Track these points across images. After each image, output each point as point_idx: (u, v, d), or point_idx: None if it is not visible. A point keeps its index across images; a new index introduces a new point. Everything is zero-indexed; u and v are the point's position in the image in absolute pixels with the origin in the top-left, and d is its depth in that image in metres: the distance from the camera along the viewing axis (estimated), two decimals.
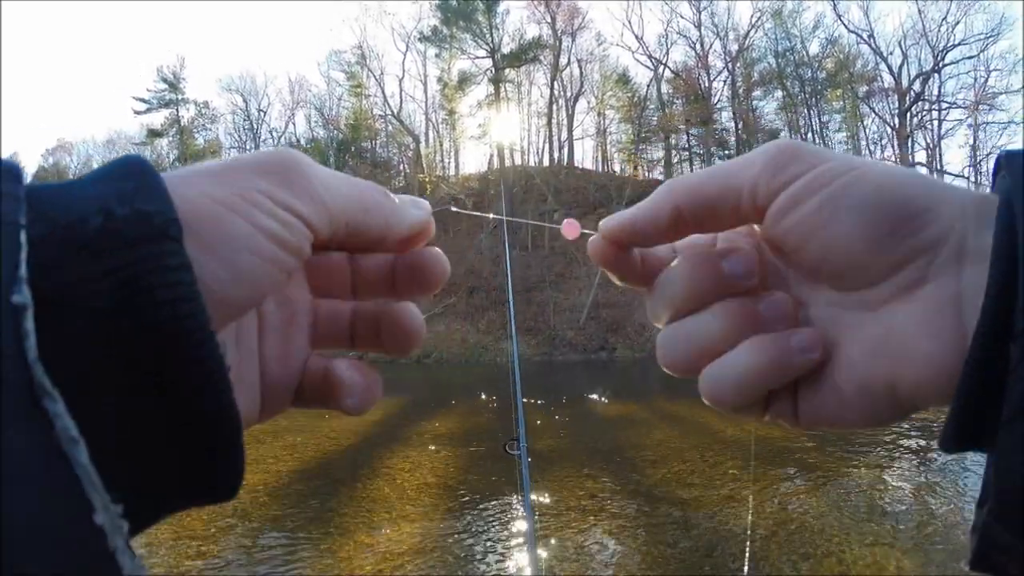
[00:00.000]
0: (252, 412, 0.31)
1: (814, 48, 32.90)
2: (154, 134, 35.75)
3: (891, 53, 31.52)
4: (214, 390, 0.23)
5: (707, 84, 34.25)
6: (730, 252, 0.32)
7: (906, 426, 8.31)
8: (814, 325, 0.31)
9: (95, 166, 0.26)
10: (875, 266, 0.28)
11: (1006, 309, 0.23)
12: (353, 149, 34.96)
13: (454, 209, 0.49)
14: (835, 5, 32.08)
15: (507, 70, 33.96)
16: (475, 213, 0.50)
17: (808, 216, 0.29)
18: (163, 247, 0.21)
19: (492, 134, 32.54)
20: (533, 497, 2.60)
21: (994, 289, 0.23)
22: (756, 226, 0.32)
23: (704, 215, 0.32)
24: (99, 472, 0.20)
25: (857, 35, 31.63)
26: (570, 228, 0.40)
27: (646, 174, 35.57)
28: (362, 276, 0.35)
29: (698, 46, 34.33)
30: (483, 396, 11.14)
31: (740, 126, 33.47)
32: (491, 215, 0.54)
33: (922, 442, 7.65)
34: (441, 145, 37.60)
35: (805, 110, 32.63)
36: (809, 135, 32.80)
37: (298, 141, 36.46)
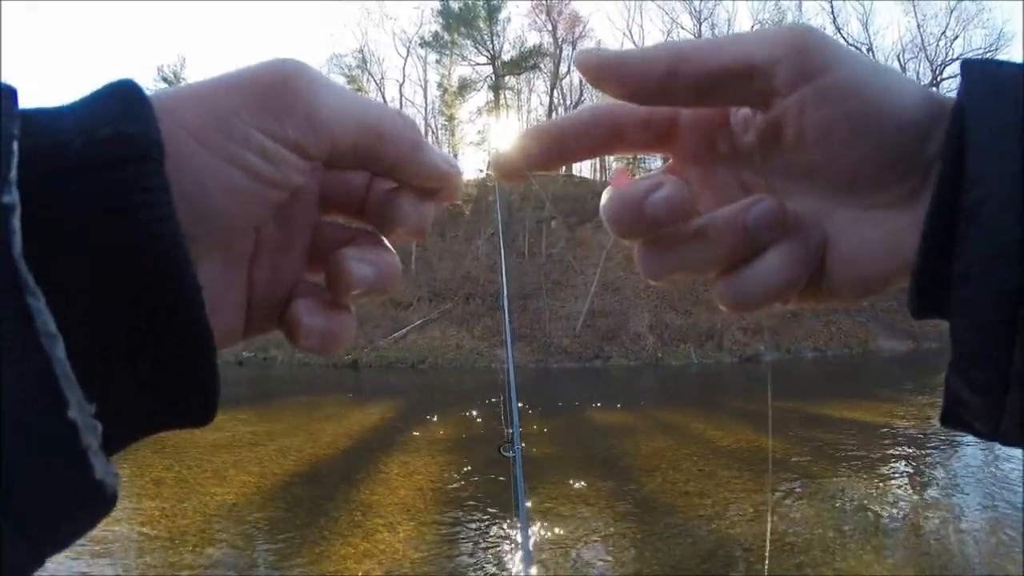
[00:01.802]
0: (235, 331, 0.31)
1: None
2: None
3: None
4: (187, 312, 0.23)
5: None
6: (754, 204, 0.30)
7: (900, 438, 8.33)
8: (803, 216, 0.31)
9: None
10: (880, 180, 0.28)
11: (954, 190, 0.25)
12: None
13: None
14: (835, 18, 32.32)
15: (507, 77, 34.08)
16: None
17: (825, 122, 0.28)
18: (143, 168, 0.22)
19: (491, 141, 32.64)
20: (528, 504, 2.59)
21: (947, 170, 0.25)
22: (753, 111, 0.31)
23: (705, 88, 0.29)
24: (75, 372, 0.20)
25: (856, 48, 31.71)
26: (619, 177, 0.32)
27: None
28: (375, 202, 0.33)
29: None
30: (478, 401, 11.12)
31: None
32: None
33: (916, 452, 7.66)
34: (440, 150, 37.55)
35: None
36: None
37: None
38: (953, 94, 0.27)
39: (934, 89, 0.29)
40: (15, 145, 0.20)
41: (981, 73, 0.26)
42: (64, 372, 0.20)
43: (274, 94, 0.26)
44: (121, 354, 0.23)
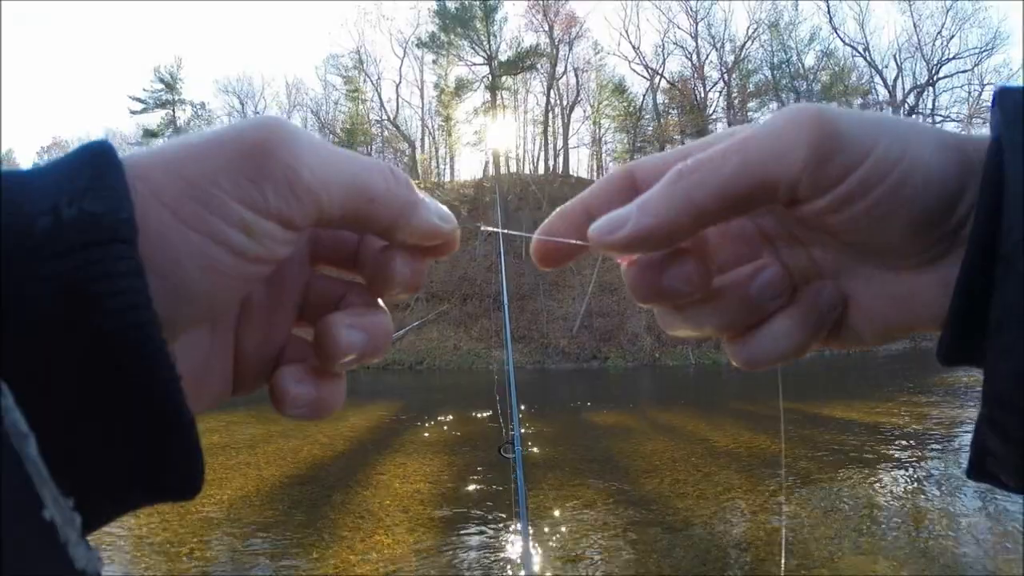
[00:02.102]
0: (223, 394, 0.30)
1: (810, 60, 33.25)
2: (150, 134, 35.61)
3: (886, 66, 31.91)
4: (163, 401, 0.22)
5: (703, 95, 34.44)
6: (758, 273, 0.31)
7: (899, 437, 8.34)
8: (822, 268, 0.31)
9: None
10: (911, 248, 0.28)
11: (992, 236, 0.24)
12: None
13: (484, 228, 0.45)
14: (831, 18, 32.37)
15: (504, 77, 34.08)
16: (509, 231, 0.46)
17: (855, 215, 0.27)
18: (111, 251, 0.20)
19: (488, 141, 32.68)
20: (527, 505, 2.60)
21: (982, 215, 0.24)
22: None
23: (730, 214, 0.28)
24: (50, 467, 0.19)
25: (852, 48, 31.88)
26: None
27: None
28: (367, 256, 0.32)
29: (694, 57, 34.53)
30: (476, 403, 11.12)
31: None
32: (512, 231, 0.48)
33: (915, 451, 7.66)
34: (437, 151, 37.67)
35: None
36: None
37: None
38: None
39: (961, 134, 0.27)
40: None
41: (1015, 108, 0.25)
42: (37, 471, 0.19)
43: (253, 159, 0.24)
44: (97, 443, 0.22)
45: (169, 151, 0.24)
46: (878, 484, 6.51)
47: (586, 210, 0.31)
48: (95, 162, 0.22)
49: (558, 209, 0.32)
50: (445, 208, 0.31)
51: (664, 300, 0.31)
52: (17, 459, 0.18)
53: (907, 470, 7.05)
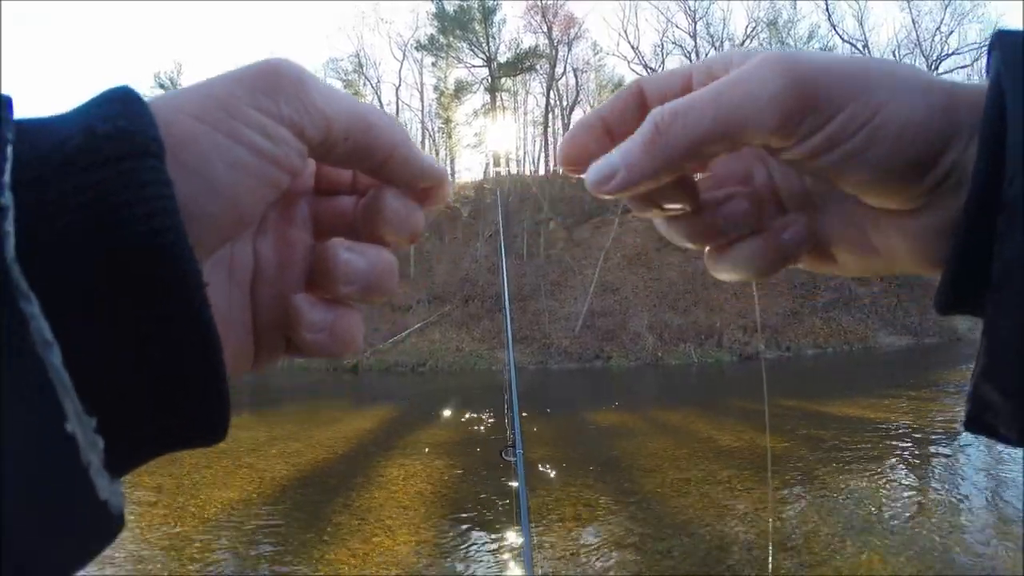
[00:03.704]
0: (246, 356, 0.30)
1: None
2: None
3: None
4: (190, 305, 0.22)
5: None
6: (725, 202, 0.33)
7: (901, 434, 8.33)
8: (817, 202, 0.33)
9: None
10: (893, 196, 0.29)
11: (995, 184, 0.24)
12: None
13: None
14: (830, 16, 32.35)
15: (503, 79, 34.08)
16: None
17: (829, 163, 0.28)
18: (143, 163, 0.21)
19: (488, 143, 32.66)
20: (528, 505, 2.60)
21: (983, 163, 0.24)
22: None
23: (708, 160, 0.32)
24: (73, 385, 0.20)
25: (851, 45, 31.81)
26: None
27: None
28: (367, 221, 0.32)
29: (693, 56, 34.49)
30: (478, 404, 11.12)
31: None
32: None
33: (918, 448, 7.66)
34: (437, 153, 37.59)
35: None
36: None
37: None
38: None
39: (953, 79, 0.28)
40: (9, 149, 0.20)
41: (1014, 50, 0.25)
42: (61, 380, 0.19)
43: (269, 80, 0.26)
44: (121, 360, 0.22)
45: (192, 84, 0.26)
46: (880, 481, 6.51)
47: (602, 122, 0.34)
48: (122, 97, 0.23)
49: (578, 120, 0.34)
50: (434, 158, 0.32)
51: (656, 212, 0.33)
52: (41, 366, 0.19)
53: (909, 467, 7.05)
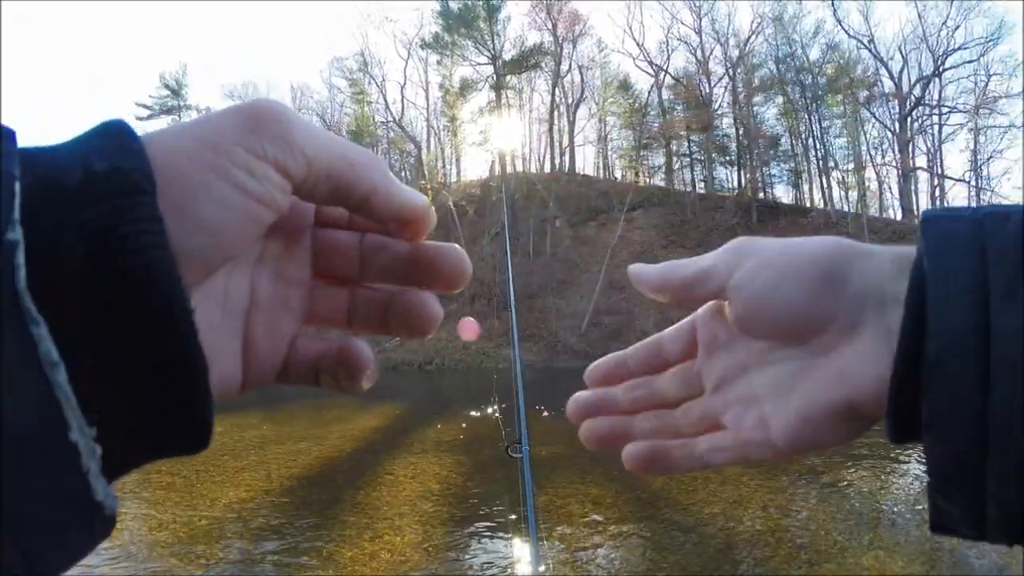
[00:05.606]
0: (234, 380, 0.31)
1: (814, 54, 32.93)
2: None
3: (891, 58, 31.65)
4: (176, 331, 0.24)
5: (708, 90, 34.40)
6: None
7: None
8: (775, 376, 0.38)
9: None
10: (817, 318, 0.34)
11: (917, 346, 0.29)
12: None
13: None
14: (835, 11, 32.22)
15: (508, 76, 34.09)
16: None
17: (759, 289, 0.36)
18: (136, 200, 0.23)
19: (493, 140, 32.65)
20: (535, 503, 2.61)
21: (907, 328, 0.30)
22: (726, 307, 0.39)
23: (688, 303, 0.42)
24: (75, 398, 0.22)
25: (857, 40, 31.72)
26: (467, 328, 0.38)
27: (647, 180, 35.64)
28: (372, 261, 0.33)
29: (699, 52, 34.48)
30: (485, 402, 11.12)
31: (741, 132, 33.55)
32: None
33: (920, 447, 7.62)
34: (443, 152, 37.73)
35: (806, 116, 32.55)
36: (810, 140, 32.90)
37: None
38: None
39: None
40: (17, 186, 0.22)
41: (936, 228, 0.30)
42: (66, 397, 0.21)
43: (252, 120, 0.27)
44: (117, 377, 0.24)
45: (180, 123, 0.28)
46: (885, 479, 6.48)
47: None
48: (117, 131, 0.25)
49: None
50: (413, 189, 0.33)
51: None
52: (49, 383, 0.21)
53: (914, 465, 7.02)
